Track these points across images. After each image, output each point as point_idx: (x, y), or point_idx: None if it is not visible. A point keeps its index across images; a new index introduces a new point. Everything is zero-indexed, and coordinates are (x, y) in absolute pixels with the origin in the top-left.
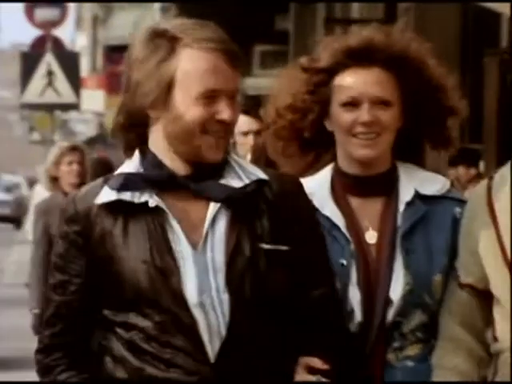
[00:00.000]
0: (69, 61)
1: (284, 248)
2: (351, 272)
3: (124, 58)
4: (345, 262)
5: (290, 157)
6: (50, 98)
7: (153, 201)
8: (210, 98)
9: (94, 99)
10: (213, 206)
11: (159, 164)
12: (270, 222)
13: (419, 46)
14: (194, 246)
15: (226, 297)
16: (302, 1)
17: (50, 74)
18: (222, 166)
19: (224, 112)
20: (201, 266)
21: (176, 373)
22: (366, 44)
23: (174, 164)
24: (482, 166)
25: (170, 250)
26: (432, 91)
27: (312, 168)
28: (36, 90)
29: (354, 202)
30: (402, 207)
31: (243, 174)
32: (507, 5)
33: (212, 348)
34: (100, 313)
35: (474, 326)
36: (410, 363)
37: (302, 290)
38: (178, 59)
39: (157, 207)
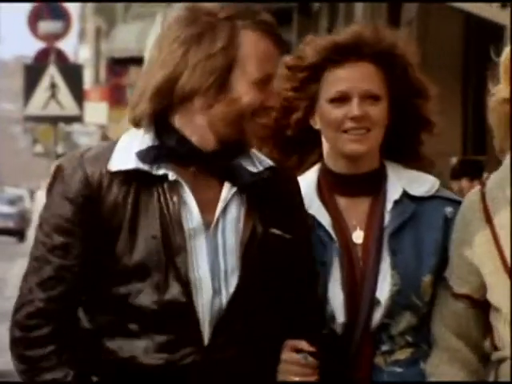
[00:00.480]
0: (72, 73)
1: (287, 236)
2: (333, 271)
3: (126, 70)
4: (326, 260)
5: (271, 159)
6: (53, 110)
7: (173, 174)
8: (263, 82)
9: (98, 111)
10: (228, 188)
11: (182, 139)
12: (277, 208)
13: (407, 46)
14: (207, 225)
15: (234, 280)
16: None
17: (53, 86)
18: (239, 150)
19: (272, 98)
20: (212, 247)
21: (165, 356)
22: (353, 39)
23: (199, 141)
24: (485, 178)
25: (181, 228)
26: (413, 95)
27: (295, 171)
28: (39, 103)
29: (342, 201)
30: (389, 206)
31: (257, 160)
32: (507, 16)
33: (208, 330)
34: (98, 284)
35: (470, 336)
36: (398, 369)
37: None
38: (238, 42)
39: (173, 181)
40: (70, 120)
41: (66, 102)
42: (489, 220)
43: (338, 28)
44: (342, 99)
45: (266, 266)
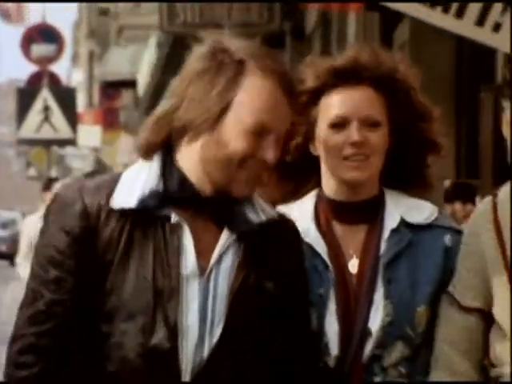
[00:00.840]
0: (65, 96)
1: (278, 292)
2: (329, 302)
3: (119, 93)
4: (322, 291)
5: (266, 185)
6: (46, 133)
7: (175, 215)
8: (259, 133)
9: (91, 134)
10: (227, 235)
11: (184, 181)
12: (274, 261)
13: (407, 69)
14: (201, 271)
15: (219, 330)
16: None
17: (46, 109)
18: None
19: (268, 152)
20: (203, 294)
21: None
22: (353, 63)
23: (200, 183)
24: (478, 201)
25: (176, 272)
26: (416, 119)
27: (291, 198)
28: (32, 126)
29: (339, 229)
30: (386, 234)
31: (260, 208)
32: (500, 39)
33: (189, 379)
34: (85, 320)
35: (476, 352)
36: None
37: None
38: (240, 85)
39: (174, 223)
40: (63, 143)
41: (60, 125)
42: (498, 232)
43: (332, 51)
44: (341, 124)
45: (255, 317)
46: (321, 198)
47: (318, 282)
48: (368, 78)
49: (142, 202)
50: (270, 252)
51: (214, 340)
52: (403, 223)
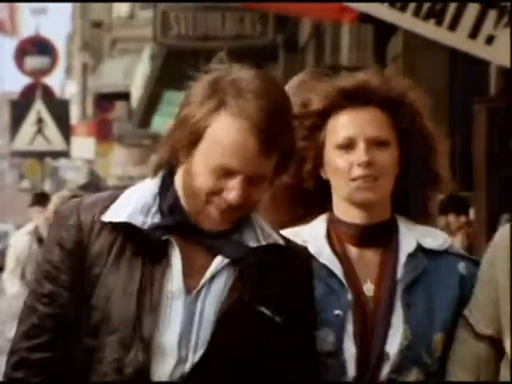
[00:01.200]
0: (59, 108)
1: (277, 318)
2: (347, 323)
3: (113, 105)
4: (340, 312)
5: (278, 211)
6: (39, 145)
7: (164, 233)
8: (225, 174)
9: (84, 146)
10: (220, 259)
11: (175, 203)
12: (275, 288)
13: (417, 95)
14: (188, 291)
15: (199, 353)
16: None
17: (39, 121)
18: (240, 220)
19: (231, 192)
20: (188, 315)
21: None
22: (361, 85)
23: (188, 206)
24: (471, 213)
25: (160, 289)
26: (420, 147)
27: (300, 223)
28: (26, 138)
29: (352, 251)
30: (403, 259)
31: (261, 233)
32: (493, 52)
33: None
34: (79, 334)
35: (486, 379)
36: None
37: (279, 371)
38: (216, 119)
39: (164, 240)
40: (56, 155)
41: (53, 137)
42: None
43: (325, 63)
44: (348, 146)
45: (242, 342)
46: (332, 221)
47: (335, 302)
48: (376, 100)
49: (131, 217)
50: (272, 277)
51: (195, 361)
52: (419, 248)
